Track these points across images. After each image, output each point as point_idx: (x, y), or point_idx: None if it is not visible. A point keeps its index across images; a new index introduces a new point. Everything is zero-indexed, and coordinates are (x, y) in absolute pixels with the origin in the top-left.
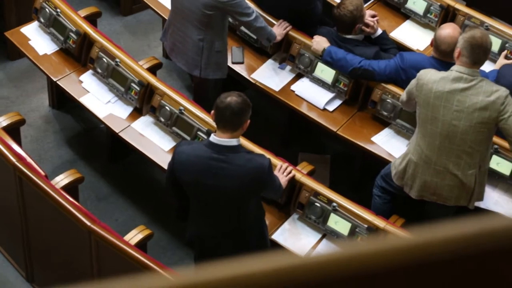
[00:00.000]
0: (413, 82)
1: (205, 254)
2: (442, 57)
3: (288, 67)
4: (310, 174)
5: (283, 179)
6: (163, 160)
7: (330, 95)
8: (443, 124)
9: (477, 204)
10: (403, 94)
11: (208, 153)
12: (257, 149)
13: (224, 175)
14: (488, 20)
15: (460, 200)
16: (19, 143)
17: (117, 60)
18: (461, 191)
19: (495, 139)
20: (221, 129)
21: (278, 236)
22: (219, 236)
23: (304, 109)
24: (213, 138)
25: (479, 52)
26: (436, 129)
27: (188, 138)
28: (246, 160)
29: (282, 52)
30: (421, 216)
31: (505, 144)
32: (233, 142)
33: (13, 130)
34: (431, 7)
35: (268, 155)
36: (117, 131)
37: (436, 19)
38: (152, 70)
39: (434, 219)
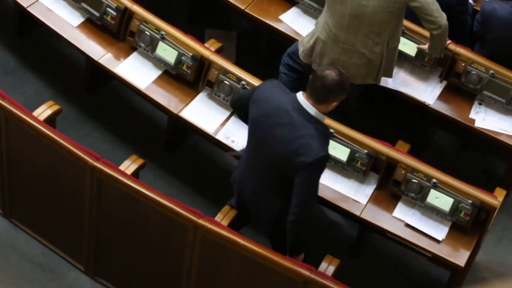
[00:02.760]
0: None
1: (239, 200)
2: None
3: None
4: (218, 51)
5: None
6: (72, 36)
7: None
8: (352, 4)
9: (384, 83)
10: None
11: (285, 102)
12: None
13: (281, 129)
14: None
15: (367, 78)
16: None
17: None
18: (368, 69)
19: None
20: (307, 93)
21: (187, 113)
22: (252, 190)
23: None
24: (300, 96)
25: None
26: (345, 9)
27: (97, 14)
28: (311, 134)
29: None
30: None
31: (412, 25)
32: (312, 110)
33: None
34: None
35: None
36: (25, 6)
37: None
38: None
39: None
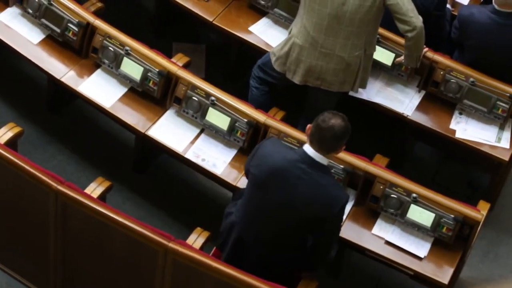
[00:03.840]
0: None
1: (230, 247)
2: None
3: None
4: (186, 66)
5: None
6: (32, 54)
7: None
8: (332, 4)
9: (359, 94)
10: None
11: (296, 159)
12: None
13: (300, 188)
14: None
15: (344, 85)
16: None
17: None
18: (346, 75)
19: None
20: (316, 146)
21: (155, 131)
22: (254, 241)
23: None
24: (308, 148)
25: None
26: (325, 10)
27: (58, 30)
28: (329, 183)
29: None
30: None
31: (387, 33)
32: (324, 161)
33: None
34: None
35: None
36: None
37: None
38: None
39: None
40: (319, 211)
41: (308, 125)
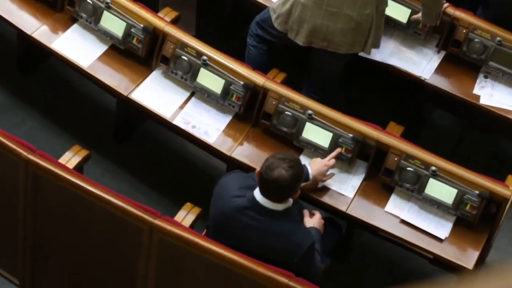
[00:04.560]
0: None
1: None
2: None
3: None
4: (174, 21)
5: (313, 223)
6: (1, 7)
7: None
8: None
9: (371, 56)
10: None
11: (244, 206)
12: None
13: (251, 237)
14: None
15: (354, 47)
16: None
17: None
18: (355, 35)
19: None
20: (267, 197)
21: (139, 94)
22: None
23: None
24: (258, 194)
25: None
26: None
27: None
28: (285, 231)
29: None
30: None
31: None
32: (278, 207)
33: None
34: None
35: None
36: None
37: None
38: None
39: None
40: (277, 260)
41: (257, 170)
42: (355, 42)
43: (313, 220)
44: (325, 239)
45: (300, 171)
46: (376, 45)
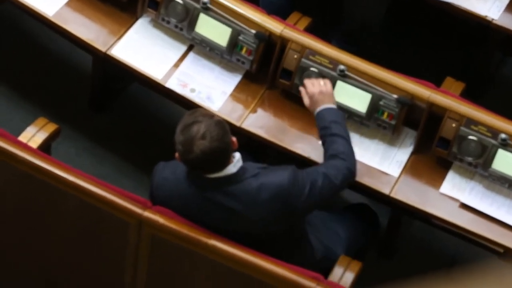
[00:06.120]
0: None
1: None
2: None
3: None
4: None
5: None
6: None
7: None
8: None
9: None
10: None
11: (195, 192)
12: None
13: (228, 218)
14: None
15: None
16: None
17: None
18: None
19: None
20: (206, 171)
21: (120, 50)
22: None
23: None
24: (201, 174)
25: None
26: None
27: None
28: (255, 189)
29: None
30: None
31: None
32: (229, 170)
33: None
34: None
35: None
36: None
37: None
38: None
39: None
40: (279, 216)
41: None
42: None
43: (319, 98)
44: (352, 233)
45: (221, 127)
46: None
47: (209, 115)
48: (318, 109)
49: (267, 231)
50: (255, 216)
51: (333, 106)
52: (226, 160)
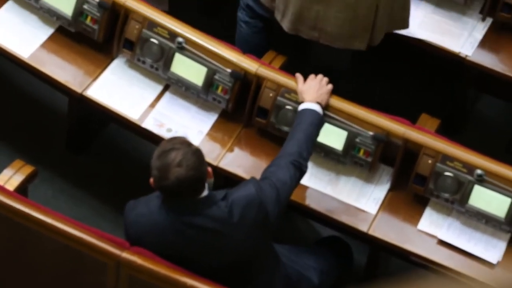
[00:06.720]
0: None
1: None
2: None
3: None
4: None
5: (323, 90)
6: None
7: None
8: None
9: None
10: None
11: (173, 219)
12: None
13: (211, 241)
14: None
15: (354, 41)
16: None
17: None
18: (354, 27)
19: None
20: (180, 197)
21: (96, 91)
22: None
23: None
24: (178, 202)
25: None
26: None
27: None
28: (229, 207)
29: None
30: None
31: None
32: (203, 194)
33: None
34: None
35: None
36: None
37: None
38: None
39: None
40: (259, 224)
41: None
42: (354, 35)
43: (313, 89)
44: (325, 266)
45: (197, 156)
46: (403, 25)
47: (187, 143)
48: (305, 105)
49: (254, 248)
50: (239, 234)
51: (319, 109)
52: (201, 188)
